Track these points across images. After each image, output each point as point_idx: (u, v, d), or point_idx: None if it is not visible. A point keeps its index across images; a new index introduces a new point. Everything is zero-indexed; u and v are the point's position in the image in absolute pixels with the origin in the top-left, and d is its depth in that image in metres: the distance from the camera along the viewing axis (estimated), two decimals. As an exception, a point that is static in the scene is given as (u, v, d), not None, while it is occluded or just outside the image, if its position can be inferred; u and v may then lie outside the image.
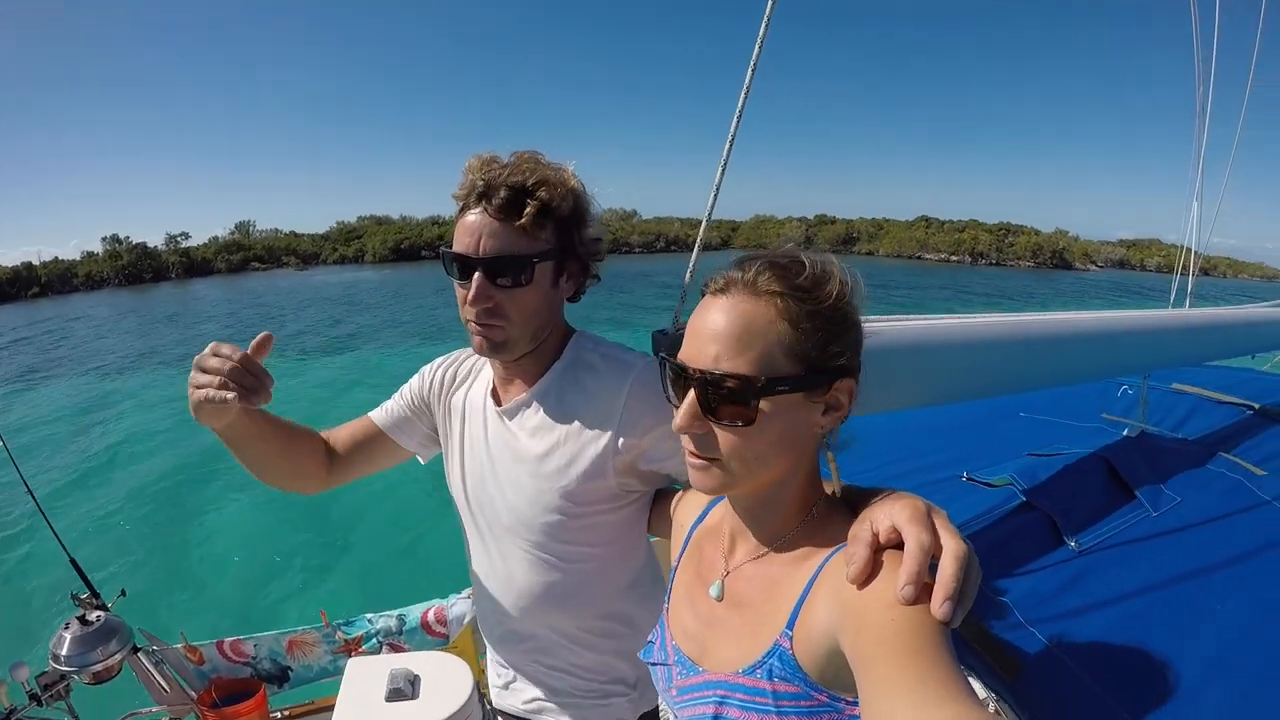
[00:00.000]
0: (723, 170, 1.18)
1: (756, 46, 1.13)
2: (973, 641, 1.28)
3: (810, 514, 0.81)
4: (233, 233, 76.81)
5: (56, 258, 63.22)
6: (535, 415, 1.15)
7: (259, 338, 0.99)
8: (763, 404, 0.72)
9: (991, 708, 1.20)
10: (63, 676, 1.86)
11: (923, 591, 0.61)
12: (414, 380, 1.33)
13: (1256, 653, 1.22)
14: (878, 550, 0.67)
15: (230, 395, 0.93)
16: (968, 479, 1.85)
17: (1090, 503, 1.66)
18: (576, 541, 1.16)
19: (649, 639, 0.98)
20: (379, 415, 1.33)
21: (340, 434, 1.31)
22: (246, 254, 70.32)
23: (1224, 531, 1.54)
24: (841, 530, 0.74)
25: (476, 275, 1.03)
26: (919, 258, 74.51)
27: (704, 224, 1.21)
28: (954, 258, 73.05)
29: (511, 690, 1.34)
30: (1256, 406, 2.21)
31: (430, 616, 2.39)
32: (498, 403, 1.20)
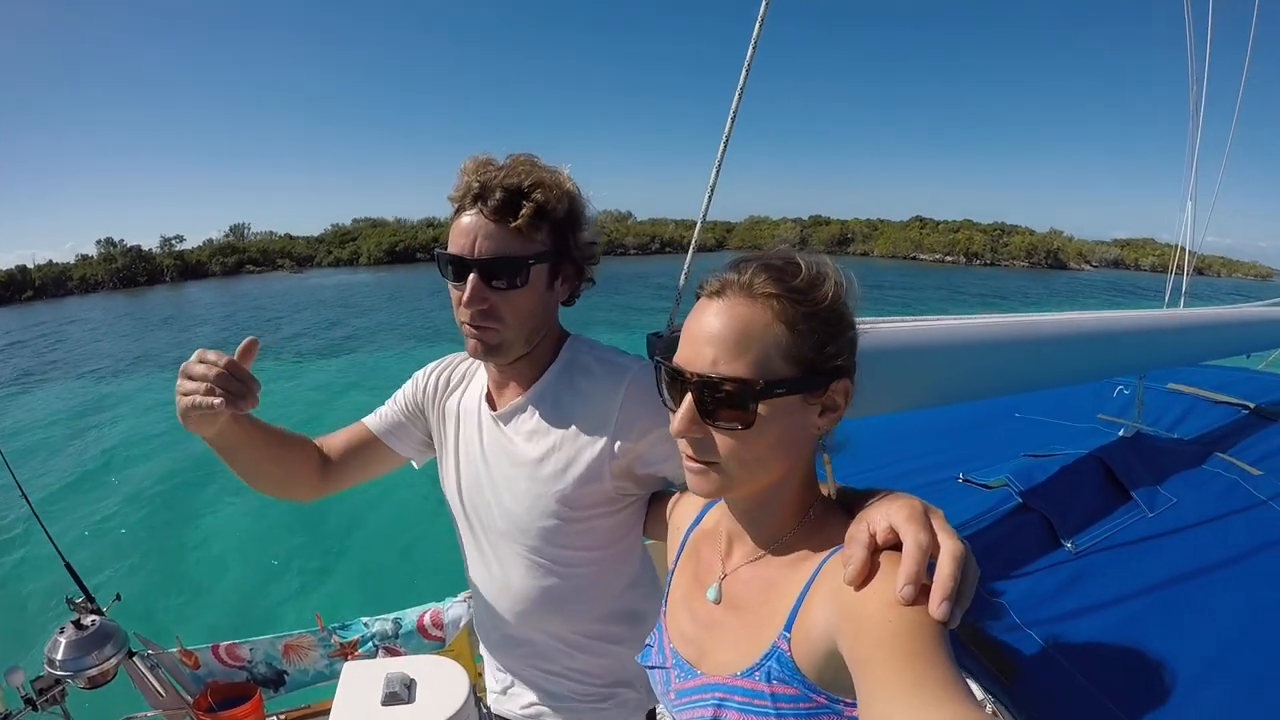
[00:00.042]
0: (717, 171, 1.18)
1: (750, 47, 1.13)
2: (969, 643, 1.28)
3: (807, 516, 0.81)
4: (227, 235, 76.76)
5: (51, 261, 63.34)
6: (530, 419, 1.14)
7: (244, 343, 0.99)
8: (761, 407, 0.71)
9: (989, 709, 1.20)
10: (58, 681, 1.85)
11: (921, 592, 0.60)
12: (408, 385, 1.33)
13: (1253, 652, 1.22)
14: (875, 551, 0.67)
15: (217, 401, 0.92)
16: (964, 480, 1.85)
17: (1086, 503, 1.66)
18: (573, 546, 1.15)
19: (647, 642, 0.98)
20: (373, 421, 1.32)
21: (333, 441, 1.29)
22: (241, 257, 70.33)
23: (1220, 531, 1.55)
24: (838, 532, 0.74)
25: (471, 277, 1.02)
26: (914, 258, 74.77)
27: (698, 225, 1.21)
28: (949, 258, 73.32)
29: (509, 695, 1.34)
30: (1252, 406, 2.21)
31: (426, 620, 2.37)
32: (492, 407, 1.20)
